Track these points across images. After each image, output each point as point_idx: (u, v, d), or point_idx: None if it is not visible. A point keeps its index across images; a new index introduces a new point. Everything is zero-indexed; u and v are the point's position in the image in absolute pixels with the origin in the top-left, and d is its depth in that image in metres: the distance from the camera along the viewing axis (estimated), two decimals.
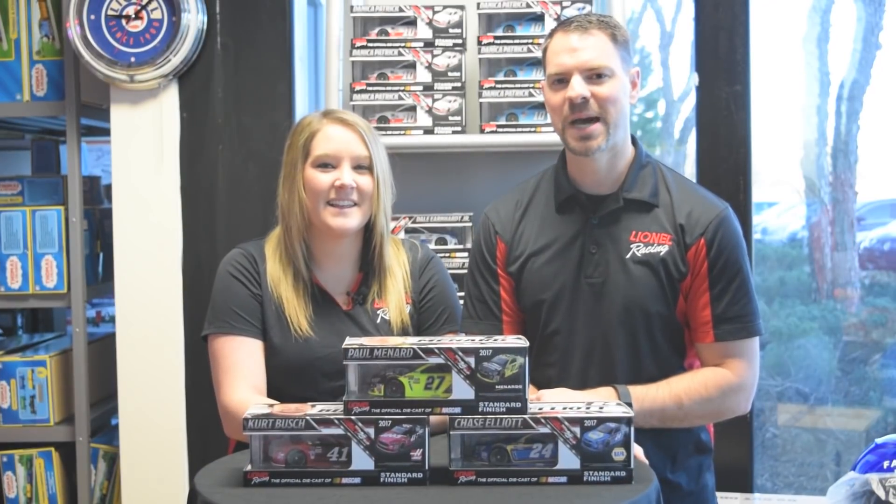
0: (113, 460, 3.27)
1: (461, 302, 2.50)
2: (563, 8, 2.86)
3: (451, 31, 2.91)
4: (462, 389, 1.84)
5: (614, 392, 2.22)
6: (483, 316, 2.41)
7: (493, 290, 2.41)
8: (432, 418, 1.85)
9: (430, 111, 2.88)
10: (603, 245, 2.31)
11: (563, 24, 2.32)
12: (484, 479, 1.83)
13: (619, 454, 1.84)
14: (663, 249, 2.28)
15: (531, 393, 2.18)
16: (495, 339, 1.87)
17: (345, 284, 2.41)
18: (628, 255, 2.29)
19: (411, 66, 2.91)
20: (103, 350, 3.29)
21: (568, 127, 2.28)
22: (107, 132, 3.19)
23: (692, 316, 2.30)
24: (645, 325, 2.28)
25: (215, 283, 2.41)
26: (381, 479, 1.83)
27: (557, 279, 2.32)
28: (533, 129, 2.87)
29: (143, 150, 3.12)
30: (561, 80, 2.27)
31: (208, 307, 2.42)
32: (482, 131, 2.88)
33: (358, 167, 2.34)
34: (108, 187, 3.27)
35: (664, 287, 2.28)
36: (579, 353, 2.30)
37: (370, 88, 2.90)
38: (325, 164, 2.33)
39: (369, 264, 2.40)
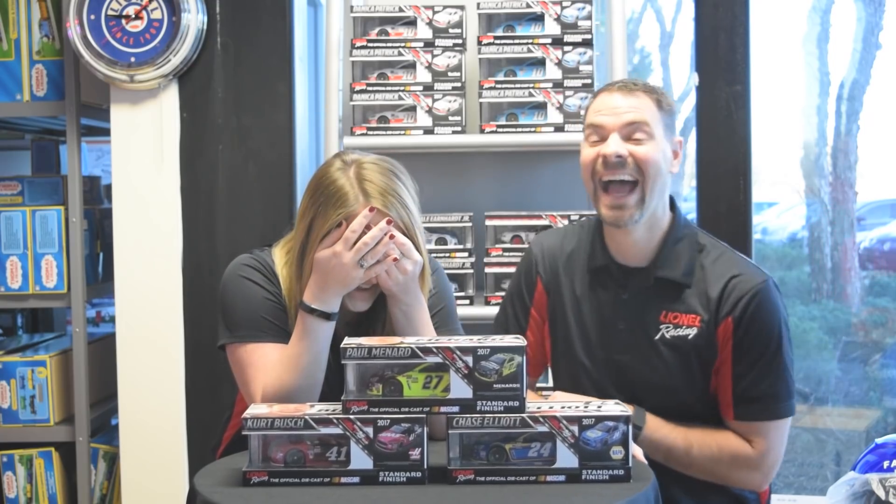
0: (113, 460, 3.27)
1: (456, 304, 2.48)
2: (563, 8, 2.86)
3: (451, 31, 2.91)
4: (460, 388, 1.84)
5: (631, 408, 2.18)
6: None
7: (520, 326, 2.39)
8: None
9: (430, 111, 2.88)
10: (631, 322, 2.25)
11: (609, 84, 2.27)
12: (482, 478, 1.83)
13: (617, 453, 1.84)
14: (692, 332, 2.22)
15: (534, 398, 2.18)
16: (493, 339, 1.87)
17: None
18: (657, 337, 2.23)
19: (411, 66, 2.91)
20: (103, 350, 3.29)
21: (601, 193, 2.21)
22: (107, 132, 3.19)
23: (718, 391, 2.24)
24: (675, 405, 2.24)
25: (228, 289, 2.23)
26: (380, 479, 1.83)
27: (586, 350, 2.29)
28: (533, 129, 2.87)
29: (143, 150, 3.12)
30: (598, 138, 2.22)
31: (222, 314, 2.23)
32: (482, 131, 2.88)
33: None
34: (108, 187, 3.27)
35: (694, 372, 2.22)
36: None
37: (370, 88, 2.90)
38: None
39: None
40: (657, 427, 2.20)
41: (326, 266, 2.08)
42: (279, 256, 2.24)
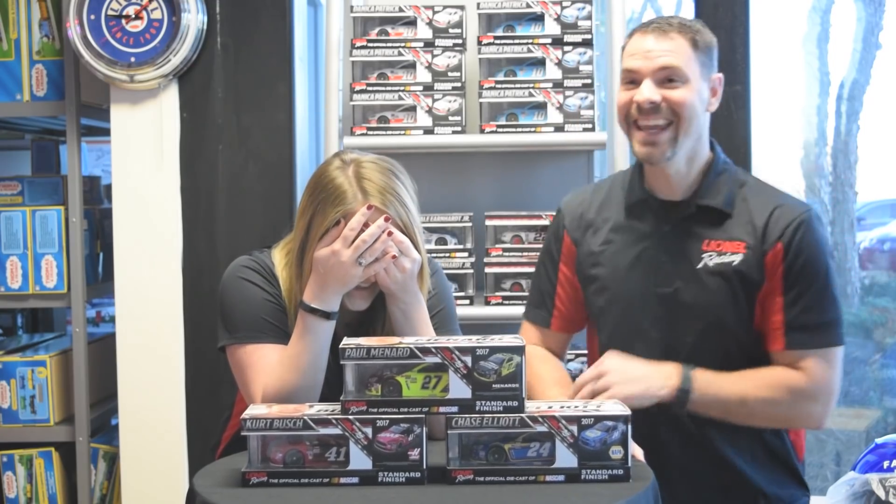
0: (113, 460, 3.27)
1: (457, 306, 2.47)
2: (563, 8, 2.86)
3: (451, 31, 2.91)
4: (459, 388, 1.84)
5: (677, 371, 2.15)
6: (537, 304, 2.40)
7: (551, 283, 2.38)
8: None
9: (430, 111, 2.88)
10: (674, 254, 2.23)
11: (643, 24, 2.24)
12: (482, 478, 1.83)
13: (616, 452, 1.84)
14: (737, 258, 2.19)
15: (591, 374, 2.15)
16: (492, 339, 1.87)
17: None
18: (700, 265, 2.21)
19: (411, 66, 2.91)
20: (103, 350, 3.29)
21: (634, 130, 2.21)
22: (107, 132, 3.19)
23: (765, 322, 2.20)
24: (718, 338, 2.21)
25: (227, 291, 2.22)
26: (379, 479, 1.83)
27: (625, 286, 2.27)
28: (533, 129, 2.87)
29: (143, 150, 3.13)
30: (632, 81, 2.21)
31: (222, 316, 2.22)
32: (482, 131, 2.88)
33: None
34: (108, 187, 3.27)
35: (739, 298, 2.19)
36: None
37: (370, 88, 2.90)
38: None
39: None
40: (706, 385, 2.14)
41: (325, 265, 2.07)
42: (279, 258, 2.24)
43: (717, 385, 2.15)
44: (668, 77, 2.18)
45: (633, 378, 2.14)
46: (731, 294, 2.19)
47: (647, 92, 2.17)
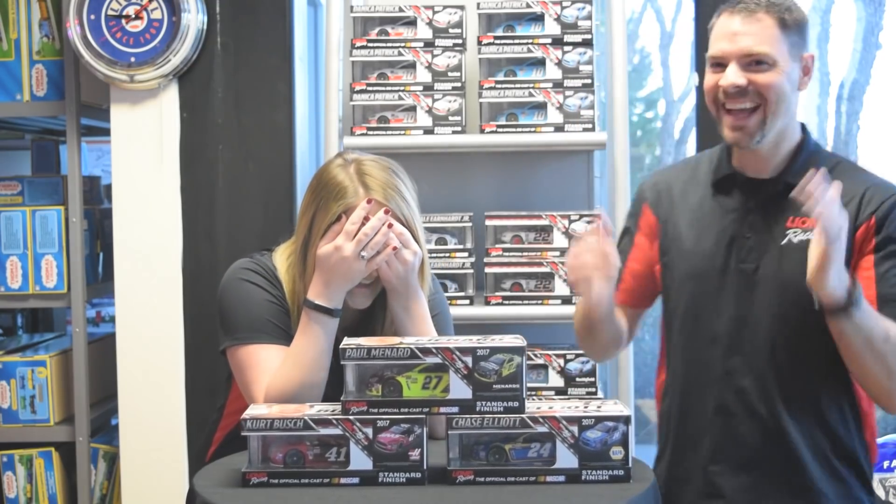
0: (113, 460, 3.27)
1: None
2: (563, 8, 2.86)
3: (451, 31, 2.91)
4: (460, 389, 1.84)
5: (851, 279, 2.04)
6: None
7: (623, 252, 2.31)
8: None
9: (430, 111, 2.88)
10: (758, 230, 2.19)
11: (730, 5, 2.18)
12: (482, 479, 1.83)
13: (617, 453, 1.84)
14: None
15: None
16: (492, 339, 1.87)
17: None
18: (784, 241, 2.16)
19: (411, 66, 2.91)
20: (103, 350, 3.29)
21: (723, 114, 2.17)
22: (107, 132, 3.19)
23: None
24: (797, 314, 2.14)
25: (228, 293, 2.21)
26: (380, 479, 1.83)
27: (706, 261, 2.22)
28: (533, 129, 2.87)
29: (143, 150, 3.13)
30: (719, 64, 2.16)
31: (222, 318, 2.20)
32: (482, 131, 2.88)
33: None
34: (108, 187, 3.28)
35: None
36: (722, 339, 2.19)
37: (370, 88, 2.90)
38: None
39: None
40: (869, 309, 2.06)
41: (329, 261, 2.09)
42: (280, 261, 2.24)
43: (873, 314, 2.07)
44: (753, 60, 2.12)
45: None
46: None
47: (733, 76, 2.13)
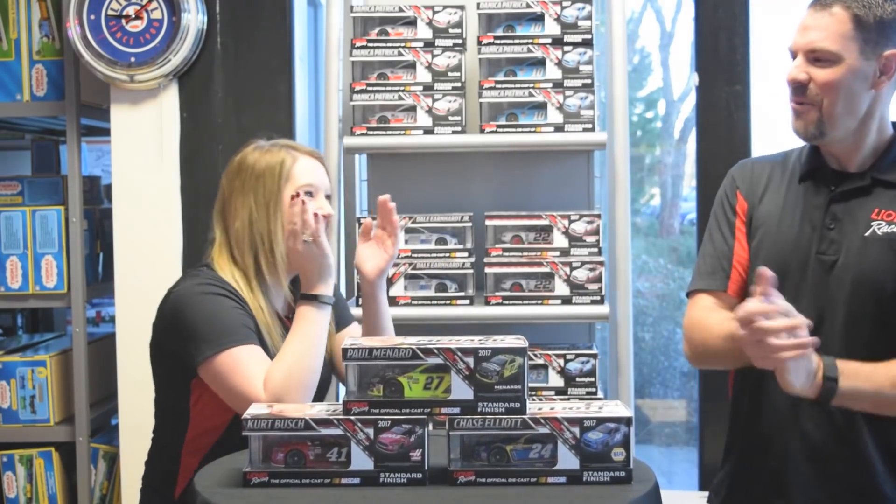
0: (113, 460, 3.27)
1: None
2: (563, 8, 2.86)
3: (451, 31, 2.91)
4: (461, 389, 1.84)
5: (819, 362, 2.01)
6: (711, 271, 2.27)
7: (727, 244, 2.28)
8: None
9: (430, 111, 2.88)
10: (842, 221, 2.17)
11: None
12: (483, 480, 1.83)
13: (618, 454, 1.84)
14: None
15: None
16: (494, 340, 1.87)
17: (282, 303, 2.36)
18: (868, 233, 2.14)
19: (411, 66, 2.91)
20: (103, 350, 3.29)
21: (791, 104, 2.17)
22: (107, 132, 3.19)
23: None
24: (873, 306, 2.11)
25: (193, 309, 2.19)
26: (381, 480, 1.83)
27: (787, 251, 2.20)
28: (533, 129, 2.87)
29: (143, 150, 3.13)
30: (793, 56, 2.16)
31: (190, 335, 2.17)
32: (482, 131, 2.88)
33: (327, 197, 2.33)
34: (108, 187, 3.28)
35: None
36: None
37: (370, 88, 2.90)
38: (307, 195, 2.28)
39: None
40: (853, 373, 2.02)
41: (309, 254, 2.21)
42: (226, 268, 2.28)
43: (863, 373, 2.03)
44: (816, 58, 2.11)
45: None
46: (895, 262, 2.12)
47: (794, 70, 2.13)
